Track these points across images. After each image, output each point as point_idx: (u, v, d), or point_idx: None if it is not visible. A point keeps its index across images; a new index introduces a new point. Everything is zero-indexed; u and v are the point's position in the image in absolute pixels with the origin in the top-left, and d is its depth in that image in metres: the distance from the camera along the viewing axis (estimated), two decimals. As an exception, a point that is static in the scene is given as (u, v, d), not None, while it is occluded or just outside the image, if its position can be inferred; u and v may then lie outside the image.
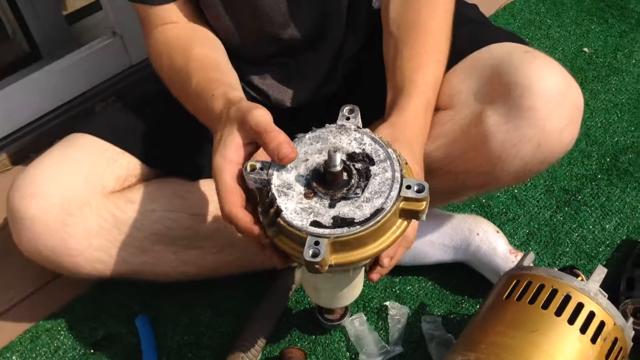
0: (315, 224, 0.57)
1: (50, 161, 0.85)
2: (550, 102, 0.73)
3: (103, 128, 0.88)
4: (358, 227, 0.56)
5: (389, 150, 0.61)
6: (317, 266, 0.56)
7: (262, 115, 0.62)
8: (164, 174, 0.89)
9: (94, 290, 0.98)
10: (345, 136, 0.63)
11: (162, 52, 0.82)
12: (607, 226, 0.99)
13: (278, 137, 0.60)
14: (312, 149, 0.62)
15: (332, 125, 0.64)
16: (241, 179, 0.63)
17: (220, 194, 0.62)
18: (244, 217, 0.61)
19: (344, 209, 0.58)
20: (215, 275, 0.91)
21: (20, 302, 0.99)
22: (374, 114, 0.76)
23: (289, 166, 0.61)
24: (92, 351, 0.91)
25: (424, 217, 0.59)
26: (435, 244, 0.93)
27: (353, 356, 0.88)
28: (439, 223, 0.93)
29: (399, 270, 0.95)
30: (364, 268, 0.75)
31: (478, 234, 0.91)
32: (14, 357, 0.92)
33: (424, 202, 0.58)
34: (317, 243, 0.56)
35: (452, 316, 0.91)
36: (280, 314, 0.91)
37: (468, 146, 0.76)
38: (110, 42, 1.25)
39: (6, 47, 1.30)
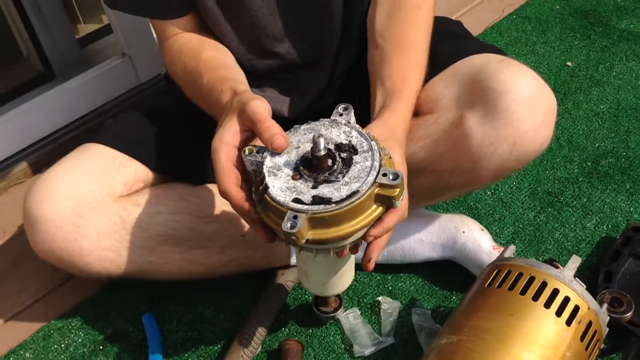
0: (297, 200, 0.63)
1: (63, 168, 0.90)
2: (524, 105, 0.79)
3: (113, 138, 0.94)
4: (334, 205, 0.63)
5: (372, 143, 0.68)
6: (293, 237, 0.62)
7: (259, 106, 0.69)
8: (169, 180, 0.95)
9: (103, 292, 1.04)
10: (335, 129, 0.70)
11: (176, 58, 0.89)
12: (588, 225, 1.05)
13: (271, 128, 0.67)
14: (305, 138, 0.69)
15: (325, 119, 0.71)
16: (239, 161, 0.69)
17: (216, 173, 0.69)
18: (236, 194, 0.68)
19: (324, 190, 0.64)
20: (219, 274, 0.97)
21: (33, 304, 1.04)
22: (368, 118, 0.83)
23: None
24: (101, 347, 0.97)
25: (397, 203, 0.65)
26: (424, 242, 0.98)
27: (347, 347, 0.93)
28: (427, 222, 0.99)
29: (391, 267, 1.00)
30: (353, 259, 0.81)
31: (464, 232, 0.97)
32: (27, 355, 0.97)
33: (398, 189, 0.64)
34: (295, 217, 0.62)
35: (441, 309, 0.96)
36: (278, 310, 0.97)
37: (449, 146, 0.82)
38: (119, 63, 1.32)
39: (21, 68, 1.38)
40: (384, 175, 0.64)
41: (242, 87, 0.78)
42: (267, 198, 0.64)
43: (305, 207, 0.63)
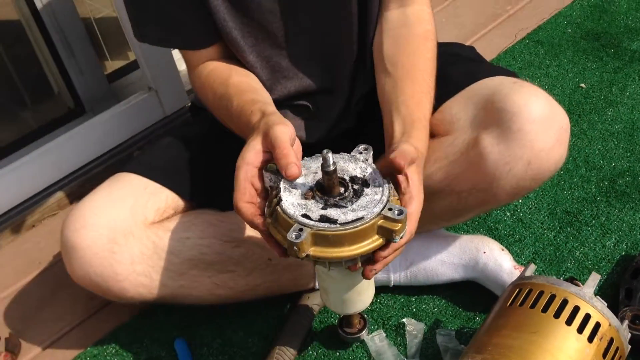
0: (305, 216, 0.68)
1: (98, 197, 0.94)
2: (537, 125, 0.82)
3: (144, 167, 0.98)
4: (338, 226, 0.67)
5: (384, 180, 0.72)
6: (295, 248, 0.66)
7: (281, 131, 0.73)
8: (197, 206, 0.99)
9: (137, 319, 1.07)
10: (353, 164, 0.74)
11: (205, 83, 0.94)
12: (607, 243, 1.07)
13: (288, 156, 0.71)
14: None
15: (346, 154, 0.76)
16: (259, 179, 0.74)
17: (234, 189, 0.73)
18: (247, 210, 0.72)
19: (332, 212, 0.69)
20: (247, 298, 0.99)
21: (70, 331, 1.08)
22: (383, 145, 0.86)
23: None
24: (134, 373, 1.00)
25: (397, 238, 0.69)
26: (446, 263, 1.01)
27: (374, 369, 0.95)
28: (448, 244, 1.01)
29: (415, 289, 1.03)
30: (373, 280, 0.84)
31: (485, 252, 0.99)
32: (64, 381, 1.00)
33: (400, 224, 0.68)
34: (301, 230, 0.67)
35: (465, 330, 0.97)
36: (305, 333, 0.99)
37: (466, 166, 0.85)
38: (146, 97, 1.38)
39: (53, 104, 1.44)
40: (390, 209, 0.68)
41: (270, 109, 0.82)
42: (279, 210, 0.69)
43: (311, 222, 0.67)
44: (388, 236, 0.69)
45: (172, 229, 0.94)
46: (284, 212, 0.69)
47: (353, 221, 0.68)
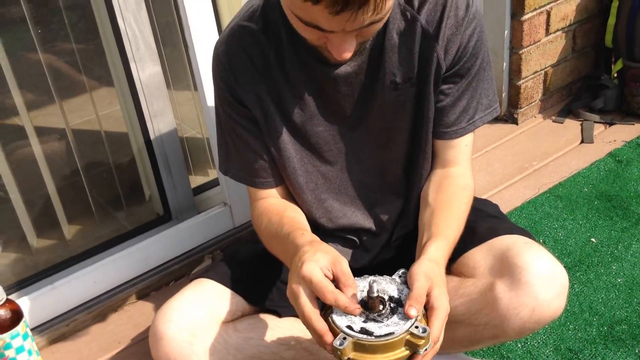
0: (349, 327, 0.87)
1: (184, 297, 1.16)
2: (542, 280, 1.04)
3: (221, 276, 1.21)
4: (373, 338, 0.86)
5: None
6: (339, 352, 0.85)
7: (347, 265, 0.92)
8: (261, 311, 1.20)
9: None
10: (393, 285, 0.95)
11: (262, 214, 1.17)
12: (602, 381, 1.24)
13: (352, 287, 0.90)
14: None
15: (388, 276, 0.96)
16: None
17: (315, 286, 0.89)
18: (319, 325, 0.89)
19: (371, 325, 0.88)
20: (292, 393, 1.19)
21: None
22: None
23: None
24: None
25: (421, 351, 0.87)
26: (461, 382, 1.20)
27: None
28: (464, 366, 1.21)
29: (433, 402, 1.21)
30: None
31: (494, 377, 1.18)
32: None
33: (423, 341, 0.86)
34: (344, 338, 0.86)
35: None
36: None
37: (483, 305, 1.07)
38: (221, 211, 1.64)
39: (145, 210, 1.71)
40: (416, 327, 0.87)
41: (317, 239, 1.02)
42: (330, 320, 0.89)
43: (353, 333, 0.87)
44: (414, 349, 0.88)
45: (239, 329, 1.16)
46: (333, 322, 0.89)
47: (385, 335, 0.86)
